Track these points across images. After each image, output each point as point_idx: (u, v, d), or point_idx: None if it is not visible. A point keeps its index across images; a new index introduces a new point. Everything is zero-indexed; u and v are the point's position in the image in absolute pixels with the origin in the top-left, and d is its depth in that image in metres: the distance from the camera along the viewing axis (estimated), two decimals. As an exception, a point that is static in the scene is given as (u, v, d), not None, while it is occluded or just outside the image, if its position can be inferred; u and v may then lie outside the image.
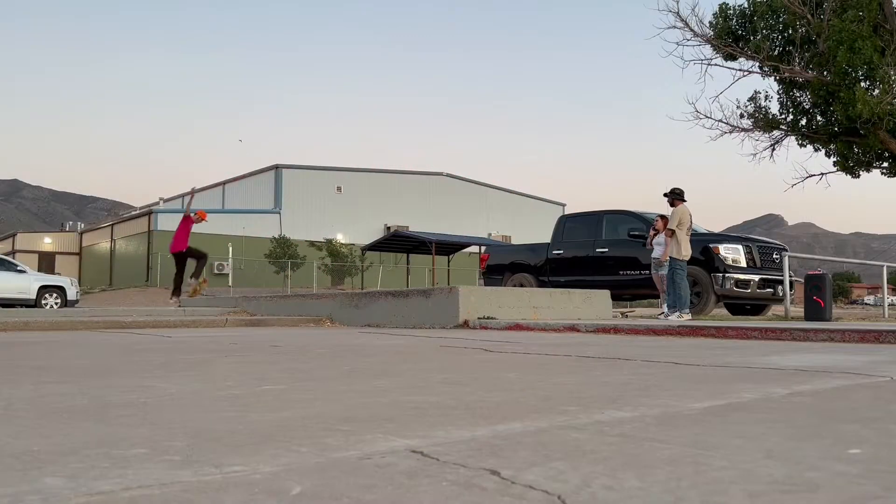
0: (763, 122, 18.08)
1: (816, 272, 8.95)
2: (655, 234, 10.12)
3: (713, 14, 17.83)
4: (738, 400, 2.19)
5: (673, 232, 9.26)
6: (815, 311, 8.65)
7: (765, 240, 11.55)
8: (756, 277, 10.62)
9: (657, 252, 9.98)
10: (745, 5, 17.64)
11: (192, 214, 11.74)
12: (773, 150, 18.73)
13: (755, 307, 11.68)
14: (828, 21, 15.75)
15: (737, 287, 10.47)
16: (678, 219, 9.30)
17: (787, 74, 16.60)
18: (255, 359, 3.78)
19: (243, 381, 2.68)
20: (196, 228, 11.94)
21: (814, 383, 2.63)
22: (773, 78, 17.63)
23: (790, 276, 10.63)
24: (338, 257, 37.73)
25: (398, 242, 36.76)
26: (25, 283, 19.35)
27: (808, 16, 16.21)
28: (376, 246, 36.23)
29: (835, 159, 18.15)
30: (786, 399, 2.22)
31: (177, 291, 12.21)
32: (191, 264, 11.86)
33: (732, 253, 10.66)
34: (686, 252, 9.23)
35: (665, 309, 9.56)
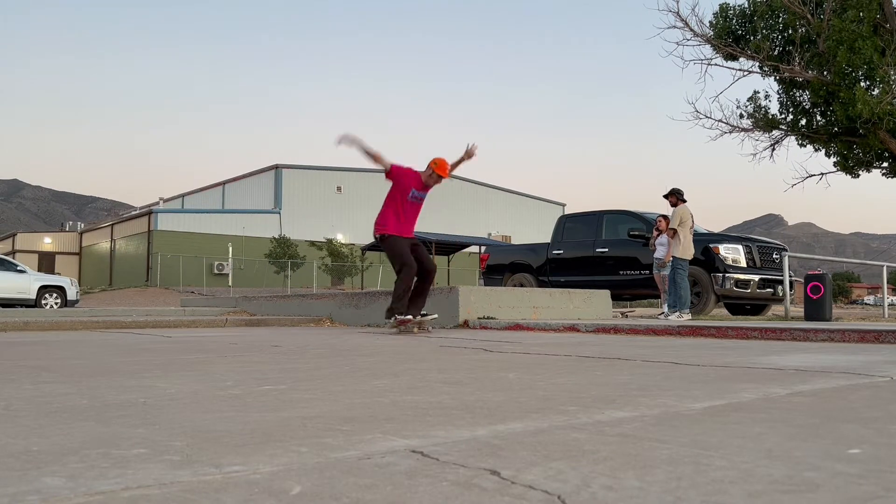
0: (763, 122, 18.09)
1: (816, 272, 8.95)
2: (658, 235, 10.12)
3: (713, 14, 17.85)
4: (738, 400, 2.19)
5: (675, 232, 9.27)
6: (815, 310, 8.65)
7: (765, 240, 11.56)
8: (756, 277, 10.62)
9: (660, 252, 9.99)
10: (745, 5, 17.65)
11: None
12: (773, 150, 18.75)
13: (755, 307, 11.69)
14: (828, 21, 15.76)
15: (737, 287, 10.48)
16: (679, 218, 9.32)
17: (787, 74, 16.60)
18: (255, 359, 3.78)
19: (243, 381, 2.68)
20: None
21: (814, 383, 2.63)
22: (773, 78, 17.64)
23: (790, 276, 10.64)
24: (338, 257, 37.74)
25: (398, 242, 36.72)
26: (25, 283, 19.36)
27: (808, 16, 16.21)
28: (376, 246, 36.20)
29: (835, 159, 18.17)
30: (786, 399, 2.22)
31: (394, 308, 6.78)
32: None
33: (732, 253, 10.67)
34: (689, 251, 9.24)
35: (665, 309, 9.56)
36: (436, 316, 7.21)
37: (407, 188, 6.93)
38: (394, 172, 6.90)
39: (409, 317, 6.81)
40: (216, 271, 39.16)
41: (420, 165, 7.10)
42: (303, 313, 9.81)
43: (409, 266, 6.80)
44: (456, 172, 7.69)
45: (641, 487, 1.16)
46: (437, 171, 6.85)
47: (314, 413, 1.93)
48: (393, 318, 6.82)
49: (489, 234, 47.59)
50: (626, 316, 12.52)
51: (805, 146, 18.38)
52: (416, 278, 7.00)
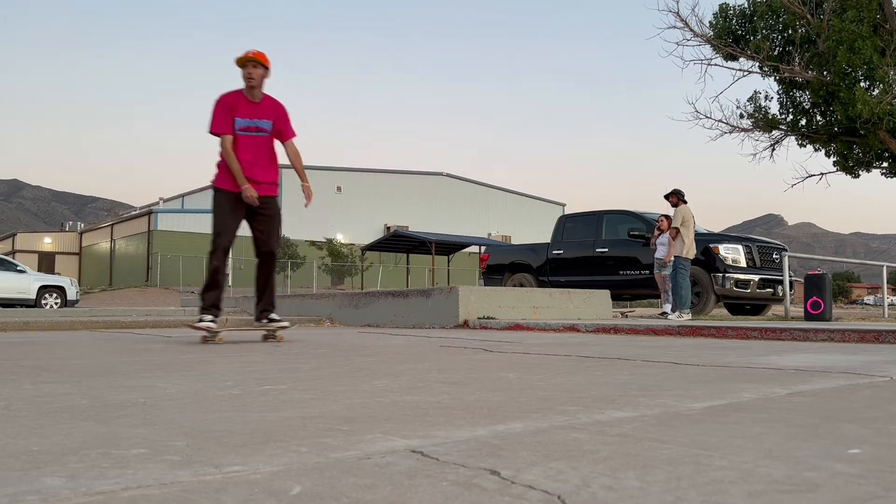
0: (763, 122, 18.10)
1: (816, 272, 8.95)
2: (659, 234, 10.12)
3: (713, 14, 17.85)
4: (738, 400, 2.19)
5: (677, 231, 9.28)
6: (814, 310, 8.64)
7: (765, 240, 11.56)
8: (756, 277, 10.62)
9: (660, 252, 9.98)
10: (745, 5, 17.66)
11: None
12: (773, 150, 18.76)
13: (755, 307, 11.69)
14: (828, 21, 15.76)
15: (737, 287, 10.48)
16: (681, 218, 9.33)
17: (787, 74, 16.61)
18: (255, 359, 3.78)
19: (243, 381, 2.68)
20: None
21: (814, 383, 2.63)
22: (773, 78, 17.65)
23: (790, 276, 10.64)
24: (338, 257, 37.75)
25: (398, 242, 36.78)
26: (25, 283, 19.37)
27: (808, 16, 16.21)
28: (376, 246, 36.24)
29: (835, 159, 18.18)
30: (786, 399, 2.22)
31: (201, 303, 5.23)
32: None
33: (732, 253, 10.67)
34: (691, 251, 9.25)
35: (665, 309, 9.57)
36: (287, 324, 5.40)
37: (232, 121, 5.03)
38: (216, 126, 5.01)
39: (207, 323, 4.99)
40: (216, 271, 39.10)
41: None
42: (303, 313, 9.80)
43: (217, 245, 5.03)
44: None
45: (641, 487, 1.16)
46: (242, 59, 4.99)
47: (314, 413, 1.93)
48: (198, 319, 5.06)
49: (489, 234, 47.59)
50: (626, 316, 12.52)
51: (805, 146, 18.39)
52: (257, 262, 5.27)
